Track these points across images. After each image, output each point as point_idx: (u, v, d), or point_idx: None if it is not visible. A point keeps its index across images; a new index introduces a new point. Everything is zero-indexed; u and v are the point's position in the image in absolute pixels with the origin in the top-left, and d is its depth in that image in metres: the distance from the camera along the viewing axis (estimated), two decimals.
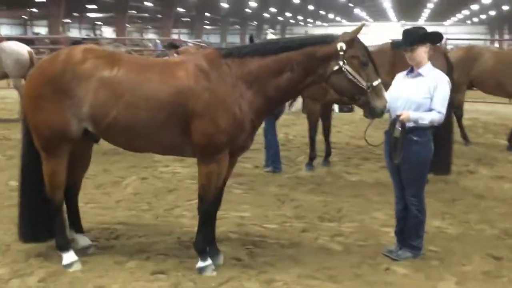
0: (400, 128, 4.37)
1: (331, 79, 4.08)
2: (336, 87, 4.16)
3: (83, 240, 4.67)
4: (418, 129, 4.39)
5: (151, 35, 62.52)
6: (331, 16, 74.39)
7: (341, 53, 4.00)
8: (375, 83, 4.05)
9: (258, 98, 4.07)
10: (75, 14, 56.47)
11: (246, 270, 4.34)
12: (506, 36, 58.17)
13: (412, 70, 4.52)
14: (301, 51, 4.04)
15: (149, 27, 71.09)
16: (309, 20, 78.62)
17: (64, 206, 4.58)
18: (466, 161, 8.43)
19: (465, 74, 9.46)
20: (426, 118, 4.32)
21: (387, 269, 4.45)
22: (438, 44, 7.25)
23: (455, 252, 4.80)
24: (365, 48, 4.10)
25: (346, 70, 4.00)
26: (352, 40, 4.03)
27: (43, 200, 4.33)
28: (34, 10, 53.16)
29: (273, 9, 61.61)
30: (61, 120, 4.06)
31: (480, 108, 14.36)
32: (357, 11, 67.95)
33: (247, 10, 59.06)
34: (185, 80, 4.00)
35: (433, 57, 6.76)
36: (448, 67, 6.95)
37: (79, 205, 5.92)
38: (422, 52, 4.41)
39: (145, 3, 48.36)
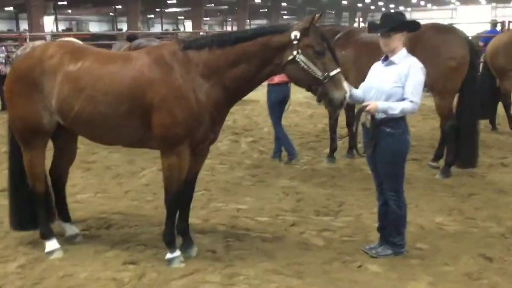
0: (369, 118, 4.17)
1: (286, 69, 3.96)
2: (292, 77, 4.03)
3: (70, 229, 4.87)
4: (391, 120, 4.14)
5: (230, 28, 63.43)
6: (414, 1, 71.47)
7: (295, 42, 3.87)
8: (333, 73, 3.87)
9: (216, 90, 4.03)
10: (157, 9, 58.70)
11: (214, 263, 4.33)
12: None
13: (386, 58, 4.28)
14: (256, 41, 3.95)
15: (229, 19, 72.16)
16: (391, 5, 76.04)
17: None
18: (506, 153, 7.85)
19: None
20: (396, 108, 4.06)
21: (359, 266, 4.27)
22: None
23: (443, 251, 4.51)
24: (322, 36, 3.92)
25: (300, 59, 3.86)
26: (306, 29, 3.87)
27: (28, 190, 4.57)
28: (119, 7, 55.68)
29: None
30: (33, 113, 4.25)
31: None
32: None
33: None
34: (144, 73, 4.04)
35: (454, 41, 6.40)
36: (471, 51, 6.47)
37: (90, 195, 6.27)
38: (397, 39, 4.16)
39: None
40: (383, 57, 4.31)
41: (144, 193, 6.35)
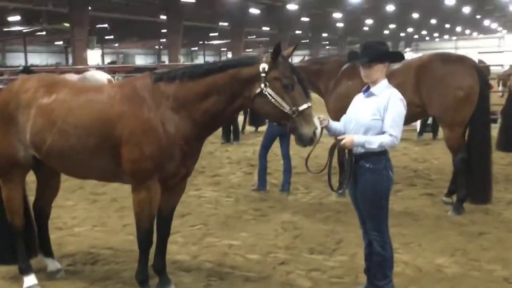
0: (346, 153, 3.94)
1: (255, 102, 3.81)
2: (260, 111, 3.87)
3: (52, 264, 4.80)
4: (371, 154, 3.89)
5: None
6: (459, 29, 70.28)
7: (263, 75, 3.72)
8: (302, 107, 3.69)
9: (186, 123, 3.91)
10: (200, 42, 60.06)
11: None
12: None
13: (368, 88, 4.06)
14: (225, 73, 3.84)
15: (271, 50, 72.75)
16: (434, 34, 75.04)
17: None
18: None
19: None
20: (374, 142, 3.81)
21: None
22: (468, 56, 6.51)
23: None
24: (291, 69, 3.76)
25: (268, 93, 3.71)
26: (274, 61, 3.73)
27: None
28: (163, 40, 57.25)
29: (392, 25, 59.76)
30: (9, 147, 4.25)
31: None
32: (486, 22, 63.31)
33: (365, 28, 58.01)
34: (113, 106, 3.98)
35: (461, 71, 6.10)
36: (481, 82, 6.14)
37: (87, 228, 6.22)
38: (379, 70, 3.95)
39: (263, 28, 49.67)
40: (364, 88, 4.11)
41: None
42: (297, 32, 53.36)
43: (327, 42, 65.67)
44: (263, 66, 3.74)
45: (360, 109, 3.99)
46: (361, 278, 4.53)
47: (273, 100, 3.70)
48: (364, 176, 3.93)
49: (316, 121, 3.71)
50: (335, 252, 5.25)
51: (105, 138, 3.96)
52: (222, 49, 70.06)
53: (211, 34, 54.07)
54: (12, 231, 4.52)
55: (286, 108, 3.69)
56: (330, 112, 7.30)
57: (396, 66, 6.74)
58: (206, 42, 59.52)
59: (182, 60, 43.81)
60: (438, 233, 5.67)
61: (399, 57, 4.17)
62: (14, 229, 4.50)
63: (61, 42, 53.49)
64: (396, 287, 4.19)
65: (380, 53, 3.96)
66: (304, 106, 3.70)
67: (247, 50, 61.13)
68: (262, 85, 3.72)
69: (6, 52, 54.14)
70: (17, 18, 34.34)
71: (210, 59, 64.37)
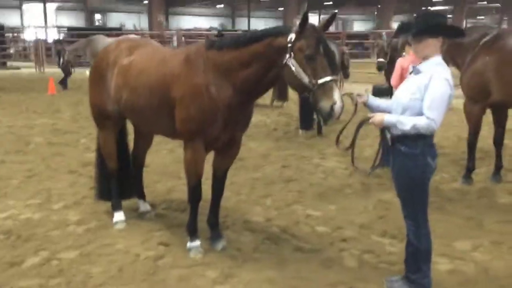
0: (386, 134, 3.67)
1: (283, 72, 3.77)
2: (286, 81, 3.82)
3: (143, 206, 5.49)
4: (406, 137, 3.55)
5: None
6: None
7: (289, 45, 3.66)
8: (322, 80, 3.56)
9: (228, 89, 4.06)
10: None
11: (227, 260, 4.38)
12: None
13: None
14: (263, 42, 3.87)
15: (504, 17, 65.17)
16: None
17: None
18: None
19: None
20: (406, 123, 3.45)
21: None
22: None
23: None
24: (318, 40, 3.61)
25: (291, 63, 3.65)
26: (300, 32, 3.63)
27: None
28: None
29: None
30: (101, 101, 4.94)
31: None
32: None
33: None
34: (171, 69, 4.29)
35: None
36: None
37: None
38: (431, 45, 3.52)
39: None
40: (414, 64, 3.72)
41: (254, 188, 6.56)
42: None
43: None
44: (291, 36, 3.68)
45: (403, 87, 3.66)
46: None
47: (294, 70, 3.64)
48: (398, 160, 3.63)
49: (337, 96, 3.54)
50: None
51: (164, 98, 4.34)
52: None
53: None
54: (107, 173, 5.28)
55: (305, 80, 3.61)
56: (464, 89, 6.60)
57: None
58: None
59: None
60: None
61: (457, 32, 3.64)
62: (109, 171, 5.24)
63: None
64: (446, 284, 3.91)
65: (431, 25, 3.53)
66: (325, 79, 3.57)
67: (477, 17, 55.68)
68: (287, 55, 3.68)
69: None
70: None
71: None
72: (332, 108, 3.55)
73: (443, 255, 4.49)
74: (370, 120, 3.60)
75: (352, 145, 3.90)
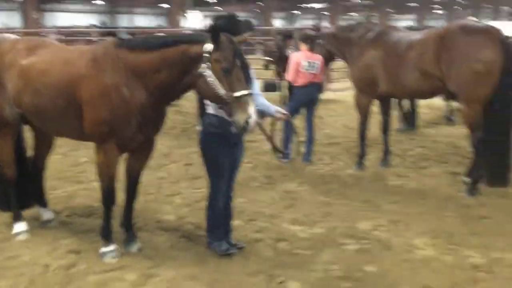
0: None
1: (198, 81, 3.82)
2: (200, 91, 3.90)
3: (45, 214, 5.20)
4: None
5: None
6: None
7: (206, 55, 3.72)
8: (238, 94, 3.66)
9: (141, 92, 4.00)
10: (301, 5, 59.27)
11: (146, 261, 4.33)
12: None
13: None
14: (177, 48, 3.86)
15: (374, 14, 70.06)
16: None
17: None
18: None
19: None
20: None
21: (280, 282, 3.98)
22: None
23: (385, 277, 4.02)
24: (235, 53, 3.71)
25: (206, 74, 3.72)
26: (218, 42, 3.70)
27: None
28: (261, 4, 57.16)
29: None
30: None
31: None
32: None
33: None
34: (78, 69, 4.14)
35: (481, 45, 5.57)
36: (506, 56, 5.57)
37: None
38: None
39: None
40: None
41: (161, 187, 6.52)
42: None
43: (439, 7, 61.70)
44: (208, 45, 3.73)
45: None
46: (325, 252, 4.49)
47: (210, 81, 3.70)
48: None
49: (252, 110, 3.66)
50: (316, 224, 5.17)
51: (71, 99, 4.17)
52: (323, 12, 68.72)
53: None
54: (4, 181, 4.95)
55: (222, 91, 3.68)
56: (354, 82, 7.06)
57: (416, 36, 6.33)
58: (304, 5, 58.49)
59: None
60: (436, 214, 5.37)
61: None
62: (6, 179, 4.92)
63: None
64: (357, 262, 4.23)
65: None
66: (242, 92, 3.67)
67: (349, 13, 59.56)
68: (204, 65, 3.73)
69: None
70: None
71: (309, 23, 63.48)
72: (246, 121, 3.66)
73: (350, 237, 4.82)
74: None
75: (270, 137, 4.08)
